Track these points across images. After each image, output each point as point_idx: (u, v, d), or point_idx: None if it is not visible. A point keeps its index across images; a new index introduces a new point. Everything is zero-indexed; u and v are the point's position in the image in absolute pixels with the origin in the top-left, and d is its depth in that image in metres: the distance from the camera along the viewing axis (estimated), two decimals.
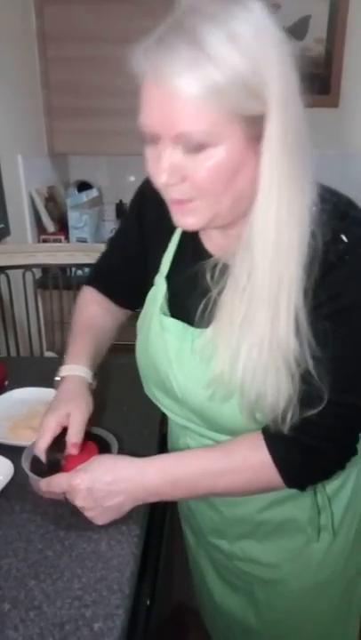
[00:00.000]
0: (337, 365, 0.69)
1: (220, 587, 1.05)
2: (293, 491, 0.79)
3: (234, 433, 0.80)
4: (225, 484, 0.77)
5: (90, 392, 0.90)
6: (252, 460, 0.75)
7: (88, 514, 0.78)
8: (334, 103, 2.51)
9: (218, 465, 0.77)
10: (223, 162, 0.62)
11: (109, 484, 0.76)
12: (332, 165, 2.57)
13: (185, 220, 0.69)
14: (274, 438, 0.74)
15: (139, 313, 0.93)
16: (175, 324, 0.82)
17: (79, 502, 0.77)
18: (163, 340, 0.83)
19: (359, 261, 0.67)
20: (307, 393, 0.70)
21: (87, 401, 0.88)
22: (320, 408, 0.69)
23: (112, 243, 1.04)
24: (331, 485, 0.88)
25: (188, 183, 0.65)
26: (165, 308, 0.85)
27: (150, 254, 0.90)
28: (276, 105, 0.60)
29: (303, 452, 0.73)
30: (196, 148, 0.61)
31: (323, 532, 0.89)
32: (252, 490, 0.79)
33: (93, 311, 1.02)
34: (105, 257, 1.04)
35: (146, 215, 0.89)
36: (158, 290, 0.87)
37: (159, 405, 0.93)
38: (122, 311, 1.06)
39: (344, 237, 0.66)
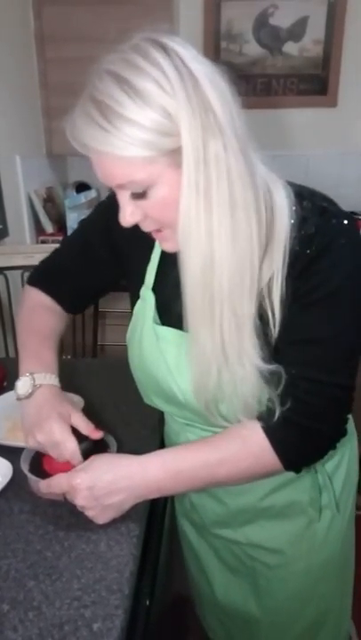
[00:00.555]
0: (328, 348, 0.73)
1: (223, 576, 1.06)
2: (292, 474, 0.82)
3: (240, 420, 0.81)
4: (225, 472, 0.78)
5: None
6: (251, 446, 0.77)
7: (89, 513, 0.78)
8: (332, 103, 2.52)
9: (217, 454, 0.78)
10: (167, 195, 0.67)
11: (110, 482, 0.76)
12: (330, 165, 2.58)
13: (164, 245, 0.76)
14: (270, 422, 0.76)
15: (119, 313, 0.92)
16: (170, 332, 0.84)
17: (80, 501, 0.77)
18: (159, 350, 0.85)
19: (341, 250, 0.71)
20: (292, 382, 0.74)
21: (76, 402, 0.90)
22: (311, 388, 0.73)
23: (69, 246, 1.02)
24: (329, 464, 0.92)
25: (149, 218, 0.71)
26: (157, 319, 0.87)
27: (131, 268, 0.91)
28: (187, 136, 0.63)
29: (300, 433, 0.76)
30: (139, 194, 0.68)
31: (325, 510, 0.92)
32: (252, 476, 0.80)
33: (48, 316, 1.00)
34: (57, 257, 1.02)
35: (118, 231, 0.85)
36: (147, 302, 0.88)
37: (163, 411, 0.96)
38: (67, 315, 1.04)
39: (325, 231, 0.71)
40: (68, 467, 0.82)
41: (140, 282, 0.90)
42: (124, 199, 0.70)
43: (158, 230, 0.73)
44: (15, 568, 0.75)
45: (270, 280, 0.72)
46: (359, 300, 0.73)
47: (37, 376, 0.87)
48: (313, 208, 0.72)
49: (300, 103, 2.51)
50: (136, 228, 0.74)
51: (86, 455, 0.82)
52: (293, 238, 0.71)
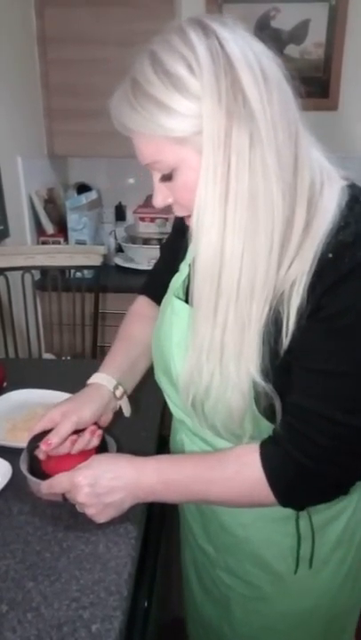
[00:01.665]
0: (350, 384, 0.65)
1: (200, 593, 1.04)
2: (279, 513, 0.78)
3: (220, 433, 0.78)
4: (218, 492, 0.76)
5: (109, 400, 0.92)
6: (245, 475, 0.73)
7: (89, 511, 0.78)
8: (334, 106, 2.52)
9: (210, 473, 0.76)
10: (191, 180, 0.65)
11: (111, 480, 0.76)
12: None
13: None
14: (269, 455, 0.72)
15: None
16: (185, 308, 0.81)
17: (81, 498, 0.76)
18: (170, 322, 0.84)
19: None
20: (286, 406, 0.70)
21: (98, 406, 0.89)
22: (324, 427, 0.67)
23: (161, 248, 1.06)
24: (320, 517, 0.84)
25: (177, 203, 0.70)
26: (180, 292, 0.85)
27: (183, 248, 0.89)
28: (210, 120, 0.61)
29: (299, 472, 0.70)
30: (166, 176, 0.67)
31: (302, 563, 0.86)
32: (245, 503, 0.77)
33: (134, 323, 1.03)
34: (156, 263, 1.06)
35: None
36: (180, 275, 0.87)
37: (164, 394, 0.93)
38: None
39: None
40: (66, 467, 0.82)
41: (184, 256, 0.88)
42: (155, 181, 0.70)
43: (189, 216, 0.70)
44: (14, 569, 0.75)
45: (293, 284, 0.65)
46: None
47: (96, 375, 0.94)
48: None
49: (301, 106, 2.51)
50: None
51: (30, 452, 0.85)
52: (328, 244, 0.63)
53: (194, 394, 0.75)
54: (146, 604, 0.84)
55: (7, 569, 0.75)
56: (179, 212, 0.72)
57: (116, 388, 0.92)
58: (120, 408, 0.95)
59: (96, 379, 0.93)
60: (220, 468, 0.75)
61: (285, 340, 0.66)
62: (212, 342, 0.68)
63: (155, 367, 0.93)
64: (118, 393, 0.93)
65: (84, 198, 2.41)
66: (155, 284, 1.01)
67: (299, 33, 2.45)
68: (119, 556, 0.77)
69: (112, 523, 0.81)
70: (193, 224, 0.65)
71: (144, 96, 0.62)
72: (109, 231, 2.58)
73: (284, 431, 0.70)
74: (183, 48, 0.61)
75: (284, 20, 2.42)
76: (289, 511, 0.77)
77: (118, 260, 2.48)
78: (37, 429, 0.87)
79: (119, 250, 2.54)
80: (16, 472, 0.88)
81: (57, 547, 0.78)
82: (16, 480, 0.88)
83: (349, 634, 1.01)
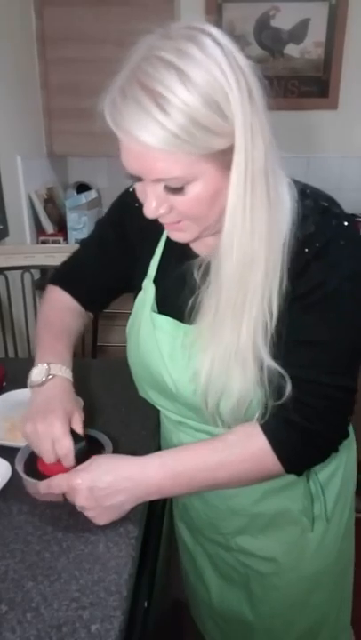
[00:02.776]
0: (328, 350, 0.73)
1: (218, 582, 1.06)
2: (286, 480, 0.84)
3: (228, 425, 0.81)
4: (225, 474, 0.78)
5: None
6: (252, 448, 0.77)
7: (89, 514, 0.78)
8: (333, 106, 2.52)
9: (217, 456, 0.77)
10: (202, 193, 0.67)
11: (110, 483, 0.76)
12: (331, 167, 2.59)
13: (177, 235, 0.75)
14: (269, 424, 0.76)
15: (118, 314, 0.92)
16: (167, 321, 0.85)
17: (80, 502, 0.77)
18: (155, 338, 0.85)
19: (340, 252, 0.71)
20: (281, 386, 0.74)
21: (80, 402, 0.90)
22: (311, 390, 0.73)
23: (86, 246, 1.03)
24: (323, 474, 0.91)
25: (175, 211, 0.70)
26: (155, 308, 0.87)
27: (138, 261, 0.91)
28: (241, 136, 0.63)
29: (300, 434, 0.75)
30: (175, 189, 0.66)
31: (317, 521, 0.91)
32: (252, 478, 0.80)
33: (65, 313, 1.01)
34: (75, 256, 1.04)
35: (129, 225, 0.91)
36: (147, 293, 0.89)
37: (155, 405, 0.95)
38: (86, 313, 1.05)
39: (324, 231, 0.71)
40: (62, 468, 0.82)
41: (144, 274, 0.90)
42: (153, 192, 0.68)
43: (178, 221, 0.72)
44: (14, 569, 0.75)
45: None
46: (359, 301, 0.73)
47: (53, 366, 0.87)
48: (315, 207, 0.72)
49: (300, 105, 2.51)
50: (147, 222, 0.73)
51: (79, 457, 0.82)
52: (293, 237, 0.70)
53: (213, 396, 0.77)
54: (146, 604, 0.83)
55: (7, 569, 0.74)
56: (171, 219, 0.72)
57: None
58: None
59: (63, 372, 0.88)
60: (227, 449, 0.78)
61: (271, 325, 0.73)
62: (239, 345, 0.72)
63: (138, 384, 0.94)
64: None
65: (84, 198, 2.41)
66: (74, 280, 1.01)
67: (298, 32, 2.45)
68: (119, 555, 0.77)
69: (112, 523, 0.81)
70: (224, 237, 0.68)
71: (176, 112, 0.59)
72: None
73: (275, 400, 0.75)
74: (209, 63, 0.60)
75: (284, 19, 2.42)
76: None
77: None
78: (70, 443, 0.81)
79: None
80: (15, 472, 0.88)
81: (57, 547, 0.78)
82: (15, 480, 0.88)
83: (350, 584, 1.07)
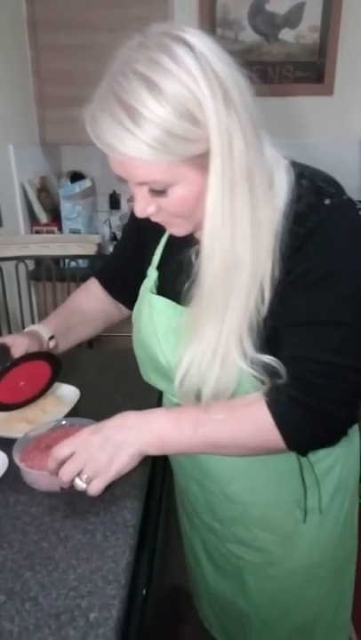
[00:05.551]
0: (331, 329, 0.72)
1: (212, 571, 1.07)
2: (281, 470, 0.86)
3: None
4: (228, 433, 0.77)
5: (42, 344, 1.00)
6: (254, 415, 0.76)
7: (96, 465, 0.77)
8: (329, 91, 2.50)
9: (221, 414, 0.77)
10: (185, 195, 0.69)
11: (117, 421, 0.80)
12: (326, 153, 2.57)
13: (172, 230, 0.79)
14: (273, 399, 0.75)
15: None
16: (164, 302, 0.87)
17: (88, 450, 0.77)
18: (152, 319, 0.88)
19: (334, 230, 0.70)
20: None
21: (30, 338, 0.98)
22: (316, 369, 0.72)
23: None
24: (320, 466, 0.90)
25: (163, 210, 0.73)
26: (155, 290, 0.90)
27: (147, 251, 0.95)
28: (217, 141, 0.64)
29: (304, 412, 0.73)
30: (159, 191, 0.70)
31: (310, 513, 0.91)
32: (254, 446, 0.78)
33: (82, 296, 1.12)
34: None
35: (142, 222, 0.90)
36: (150, 279, 0.92)
37: (158, 389, 0.96)
38: (117, 308, 1.12)
39: (318, 210, 0.70)
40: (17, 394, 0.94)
41: (150, 263, 0.94)
42: (140, 193, 0.72)
43: (169, 219, 0.76)
44: (12, 559, 0.75)
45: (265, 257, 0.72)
46: (358, 278, 0.72)
47: (32, 326, 1.03)
48: (310, 187, 0.72)
49: (296, 91, 2.49)
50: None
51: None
52: (287, 217, 0.70)
53: (190, 383, 0.78)
54: (144, 592, 0.84)
55: (5, 559, 0.75)
56: (160, 218, 0.76)
57: (50, 338, 1.01)
58: None
59: (31, 327, 1.02)
60: (230, 411, 0.78)
61: (263, 308, 0.73)
62: (218, 338, 0.74)
63: (142, 369, 0.96)
64: (52, 344, 1.01)
65: (78, 187, 2.39)
66: (109, 276, 1.11)
67: (293, 16, 2.42)
68: (117, 544, 0.77)
69: (110, 511, 0.81)
70: (205, 238, 0.70)
71: (147, 122, 0.62)
72: (104, 220, 2.57)
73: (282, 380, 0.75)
74: (181, 73, 0.62)
75: (279, 3, 2.39)
76: (293, 465, 0.87)
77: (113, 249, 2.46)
78: None
79: (114, 238, 2.52)
80: (12, 462, 0.88)
81: (54, 536, 0.78)
82: (13, 470, 0.88)
83: (350, 582, 1.07)
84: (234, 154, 0.65)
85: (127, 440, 0.78)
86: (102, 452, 0.77)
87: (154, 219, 0.76)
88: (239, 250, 0.69)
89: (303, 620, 1.01)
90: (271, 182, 0.71)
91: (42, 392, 1.03)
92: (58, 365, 1.01)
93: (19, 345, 0.96)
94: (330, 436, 0.77)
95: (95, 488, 0.77)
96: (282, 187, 0.71)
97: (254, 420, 0.76)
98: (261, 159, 0.69)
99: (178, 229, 0.78)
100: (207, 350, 0.75)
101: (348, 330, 0.72)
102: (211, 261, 0.70)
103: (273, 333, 0.75)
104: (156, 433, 0.78)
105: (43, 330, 1.01)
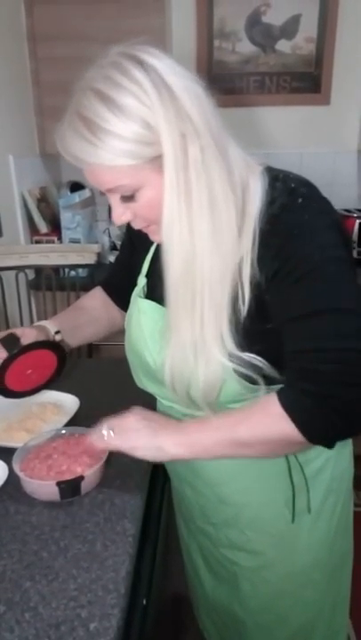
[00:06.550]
0: (322, 318, 0.73)
1: (210, 578, 1.07)
2: (271, 471, 0.89)
3: (200, 406, 0.83)
4: (247, 431, 0.78)
5: (49, 338, 1.04)
6: (270, 412, 0.76)
7: (122, 432, 0.84)
8: (325, 101, 2.52)
9: (239, 416, 0.80)
10: (152, 197, 0.74)
11: (154, 414, 0.88)
12: (323, 163, 2.59)
13: (153, 237, 0.83)
14: (283, 392, 0.76)
15: None
16: (149, 305, 0.91)
17: (130, 423, 0.84)
18: (140, 322, 0.91)
19: (309, 226, 0.72)
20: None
21: (38, 331, 1.02)
22: (319, 357, 0.73)
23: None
24: (309, 467, 0.91)
25: (138, 217, 0.78)
26: (142, 295, 0.95)
27: (139, 259, 0.99)
28: (169, 145, 0.69)
29: (315, 401, 0.73)
30: (128, 197, 0.75)
31: (300, 514, 0.92)
32: (273, 439, 0.77)
33: (88, 300, 1.17)
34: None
35: (134, 232, 0.94)
36: (139, 286, 0.96)
37: (148, 391, 0.99)
38: (120, 314, 1.14)
39: (292, 209, 0.73)
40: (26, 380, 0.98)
41: (140, 271, 0.98)
42: (114, 201, 0.77)
43: (147, 225, 0.81)
44: (11, 569, 0.75)
45: (240, 261, 0.75)
46: (343, 264, 0.73)
47: (39, 322, 1.08)
48: (283, 189, 0.75)
49: (292, 101, 2.50)
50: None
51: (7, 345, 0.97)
52: (262, 219, 0.74)
53: (180, 383, 0.82)
54: (144, 602, 0.84)
55: (4, 569, 0.75)
56: (139, 225, 0.81)
57: (56, 333, 1.05)
58: None
59: (39, 323, 1.06)
60: (247, 411, 0.80)
61: (243, 308, 0.76)
62: (194, 335, 0.77)
63: (134, 374, 0.99)
64: (58, 338, 1.05)
65: (78, 197, 2.40)
66: (111, 284, 1.17)
67: (290, 28, 2.44)
68: (117, 554, 0.77)
69: (109, 520, 0.81)
70: (163, 235, 0.74)
71: (103, 132, 0.68)
72: (103, 229, 2.58)
73: (289, 374, 0.77)
74: (129, 84, 0.68)
75: (276, 14, 2.42)
76: (282, 466, 0.89)
77: (112, 259, 2.47)
78: None
79: (113, 248, 2.53)
80: (12, 472, 0.88)
81: (54, 546, 0.78)
82: (12, 480, 0.88)
83: (346, 584, 1.07)
84: (188, 156, 0.70)
85: (155, 429, 0.83)
86: (136, 433, 0.83)
87: (134, 225, 0.81)
88: (197, 247, 0.73)
89: (300, 623, 1.01)
90: (245, 187, 0.75)
91: (49, 380, 1.05)
92: (63, 356, 1.04)
93: (27, 335, 1.00)
94: (346, 424, 0.74)
95: (112, 441, 0.84)
96: (256, 191, 0.75)
97: (272, 417, 0.76)
98: (223, 162, 0.72)
99: (156, 236, 0.81)
100: (186, 346, 0.78)
101: (345, 314, 0.72)
102: (171, 258, 0.75)
103: (262, 335, 0.77)
104: (173, 425, 0.84)
105: (50, 325, 1.06)
